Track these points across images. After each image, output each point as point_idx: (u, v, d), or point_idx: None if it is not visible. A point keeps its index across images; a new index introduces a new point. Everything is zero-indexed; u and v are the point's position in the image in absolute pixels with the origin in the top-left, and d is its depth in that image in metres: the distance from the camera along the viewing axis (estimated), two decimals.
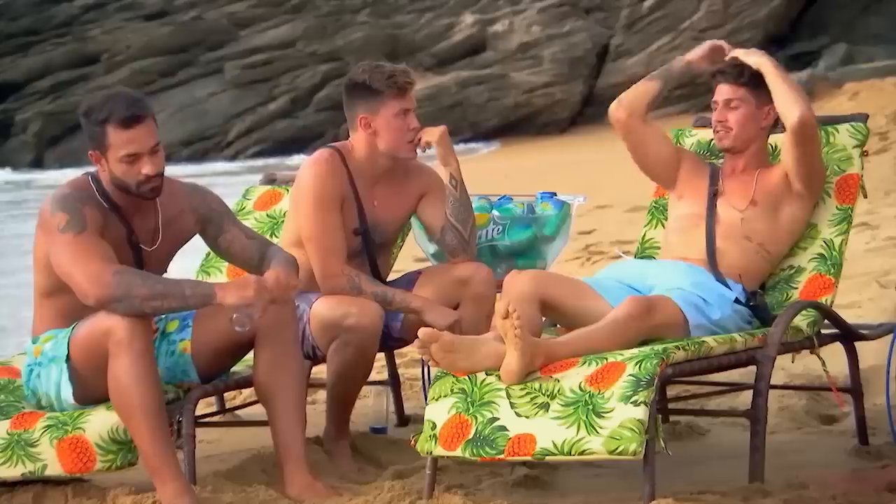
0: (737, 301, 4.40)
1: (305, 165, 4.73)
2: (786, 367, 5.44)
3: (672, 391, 5.19)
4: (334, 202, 4.67)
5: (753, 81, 4.54)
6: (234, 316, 4.08)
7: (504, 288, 4.35)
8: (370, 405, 5.18)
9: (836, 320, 4.55)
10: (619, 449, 3.76)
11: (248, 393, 5.50)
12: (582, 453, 3.82)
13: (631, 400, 3.80)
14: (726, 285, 4.44)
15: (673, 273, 4.45)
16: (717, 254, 4.51)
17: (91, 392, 4.15)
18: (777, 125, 4.61)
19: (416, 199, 4.84)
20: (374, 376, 5.14)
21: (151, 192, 4.21)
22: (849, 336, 4.61)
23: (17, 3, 27.16)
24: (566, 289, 4.35)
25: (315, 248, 4.64)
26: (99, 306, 4.05)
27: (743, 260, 4.52)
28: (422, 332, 4.06)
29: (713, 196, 4.58)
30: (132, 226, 4.27)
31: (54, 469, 4.11)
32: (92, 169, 4.31)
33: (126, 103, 4.16)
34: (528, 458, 3.90)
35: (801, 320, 4.42)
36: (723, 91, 4.57)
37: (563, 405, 3.89)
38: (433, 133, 4.72)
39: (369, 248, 4.78)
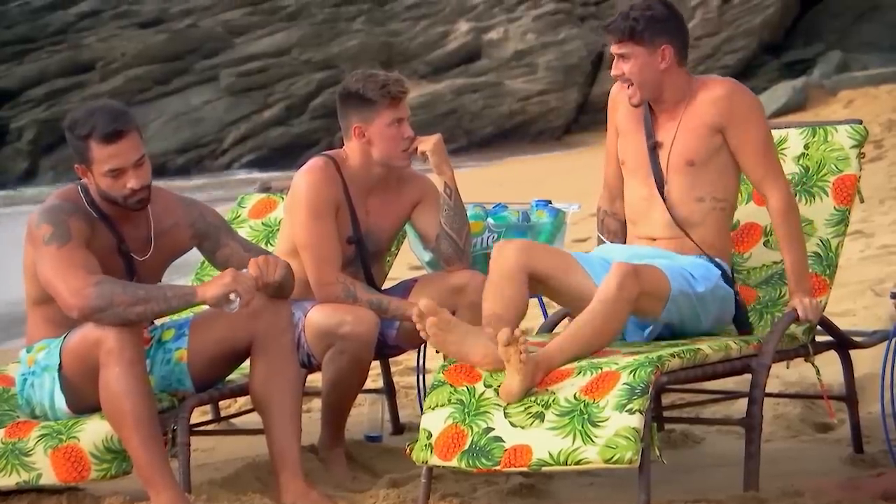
0: (723, 277, 4.39)
1: (300, 174, 4.73)
2: (781, 375, 5.44)
3: (667, 399, 5.18)
4: (329, 210, 4.67)
5: (636, 34, 4.40)
6: (222, 302, 4.07)
7: (492, 260, 4.32)
8: (365, 413, 5.18)
9: (831, 328, 4.55)
10: (615, 458, 3.75)
11: (243, 401, 5.49)
12: (578, 463, 3.81)
13: (626, 408, 3.80)
14: (715, 264, 4.42)
15: (661, 253, 4.43)
16: (677, 227, 4.43)
17: (84, 401, 4.14)
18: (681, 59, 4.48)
19: (411, 207, 4.84)
20: (369, 384, 5.14)
21: (138, 203, 4.20)
22: (844, 344, 4.61)
23: (13, 11, 27.17)
24: (554, 261, 4.32)
25: (310, 257, 4.64)
26: (83, 318, 4.04)
27: (705, 226, 4.44)
28: (423, 302, 4.06)
29: (652, 150, 4.47)
30: (122, 235, 4.26)
31: (49, 478, 4.10)
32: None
33: (109, 118, 4.15)
34: (524, 468, 3.89)
35: (796, 327, 4.42)
36: (613, 47, 4.48)
37: (557, 415, 3.88)
38: (428, 142, 4.72)
39: (363, 257, 4.78)
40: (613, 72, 4.48)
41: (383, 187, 4.79)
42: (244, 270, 4.16)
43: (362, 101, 4.68)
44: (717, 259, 4.43)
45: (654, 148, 4.48)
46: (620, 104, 4.60)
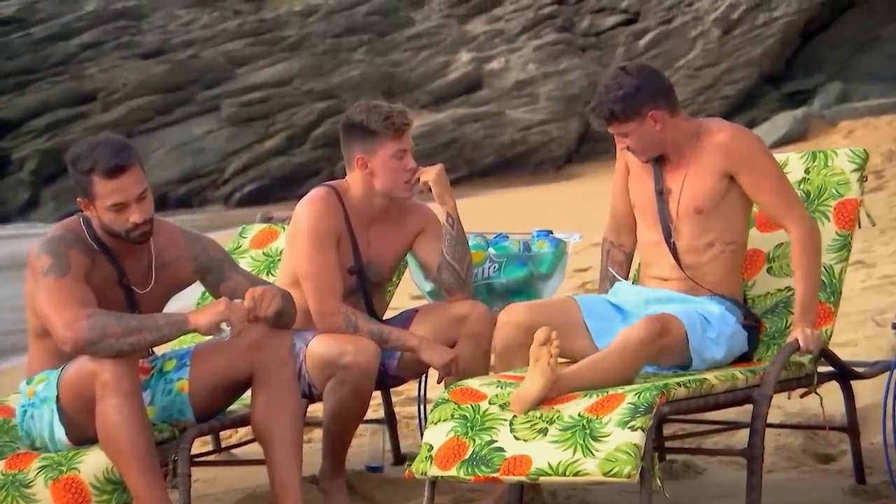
0: (743, 314, 4.41)
1: (302, 204, 4.74)
2: (783, 406, 5.43)
3: (669, 430, 5.18)
4: (330, 240, 4.67)
5: (618, 115, 4.44)
6: (214, 330, 4.07)
7: (494, 336, 4.42)
8: (366, 443, 5.17)
9: (833, 358, 4.54)
10: (614, 471, 3.76)
11: (243, 431, 5.49)
12: (577, 474, 3.81)
13: (628, 425, 3.81)
14: (732, 302, 4.43)
15: (675, 296, 4.44)
16: (689, 271, 4.47)
17: (83, 432, 4.13)
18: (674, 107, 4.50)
19: (412, 237, 4.84)
20: (370, 415, 5.13)
21: (141, 237, 4.20)
22: (845, 374, 4.60)
23: (14, 42, 27.24)
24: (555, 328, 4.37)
25: (311, 287, 4.63)
26: (76, 351, 4.03)
27: (717, 270, 4.47)
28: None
29: (660, 194, 4.52)
30: (123, 268, 4.26)
31: None
32: None
33: (111, 152, 4.14)
34: (523, 477, 3.89)
35: (800, 357, 4.41)
36: (614, 128, 4.50)
37: (560, 429, 3.91)
38: (430, 173, 4.73)
39: (364, 287, 4.78)
40: (619, 146, 4.53)
41: (384, 217, 4.80)
42: (238, 301, 4.16)
43: (366, 133, 4.69)
44: (731, 297, 4.44)
45: (661, 193, 4.51)
46: (629, 164, 4.64)
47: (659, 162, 4.54)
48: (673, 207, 4.50)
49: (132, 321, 4.05)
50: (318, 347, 4.59)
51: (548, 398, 4.00)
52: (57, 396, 4.13)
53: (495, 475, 3.91)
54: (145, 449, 4.00)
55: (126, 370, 4.01)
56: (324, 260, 4.65)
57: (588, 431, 3.85)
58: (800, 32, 25.52)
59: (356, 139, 4.71)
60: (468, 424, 4.03)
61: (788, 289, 4.59)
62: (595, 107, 4.48)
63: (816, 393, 4.40)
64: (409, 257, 4.96)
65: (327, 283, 4.64)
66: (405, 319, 4.81)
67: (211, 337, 4.17)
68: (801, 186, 4.73)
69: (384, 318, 4.90)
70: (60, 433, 4.14)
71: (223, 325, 4.06)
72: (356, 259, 4.74)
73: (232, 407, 4.46)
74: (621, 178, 4.69)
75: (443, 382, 4.64)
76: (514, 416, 3.99)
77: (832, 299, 4.56)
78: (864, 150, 4.75)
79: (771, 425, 4.50)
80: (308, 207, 4.70)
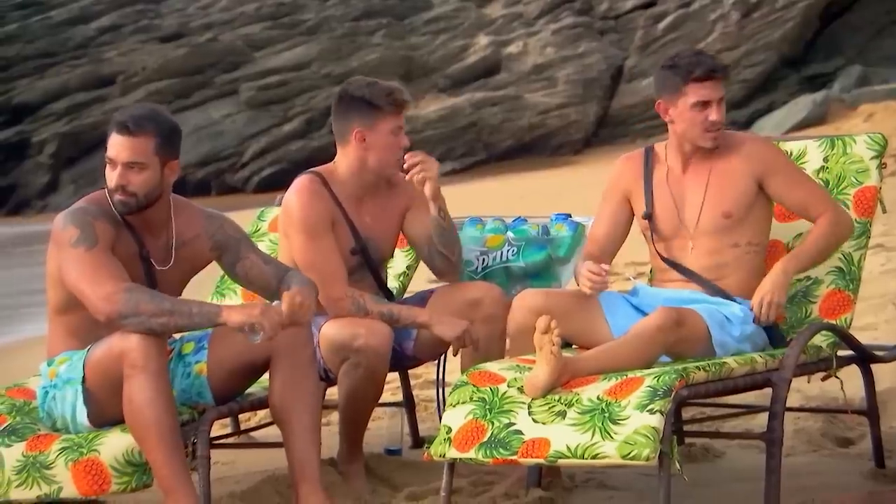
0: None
1: (289, 195, 4.72)
2: (802, 390, 5.43)
3: (688, 413, 5.17)
4: (324, 227, 4.66)
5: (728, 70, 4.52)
6: (246, 328, 4.08)
7: (509, 318, 4.42)
8: (385, 427, 5.18)
9: (852, 342, 4.53)
10: (633, 454, 3.77)
11: (262, 414, 5.50)
12: (595, 457, 3.83)
13: (647, 408, 3.83)
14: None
15: (698, 297, 4.43)
16: (714, 272, 4.46)
17: (106, 414, 4.15)
18: None
19: (403, 213, 4.84)
20: (388, 398, 5.15)
21: (118, 204, 4.24)
22: (865, 358, 4.59)
23: (34, 26, 27.28)
24: (572, 325, 4.36)
25: (314, 277, 4.56)
26: (108, 322, 4.08)
27: (740, 270, 4.47)
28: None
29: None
30: (144, 242, 4.29)
31: (70, 491, 4.10)
32: None
33: (132, 114, 4.23)
34: (541, 460, 3.91)
35: (821, 341, 4.41)
36: (718, 88, 4.43)
37: (579, 413, 3.92)
38: (432, 169, 4.67)
39: (370, 264, 4.77)
40: (715, 116, 4.42)
41: (375, 193, 4.78)
42: (276, 303, 4.17)
43: (369, 106, 4.69)
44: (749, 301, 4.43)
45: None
46: (627, 176, 4.61)
47: (668, 175, 4.53)
48: (693, 213, 4.48)
49: (165, 303, 4.08)
50: (330, 331, 4.60)
51: (561, 382, 4.02)
52: (83, 377, 4.15)
53: (514, 458, 3.93)
54: (171, 429, 4.03)
55: (155, 350, 4.05)
56: (321, 248, 4.64)
57: (607, 414, 3.86)
58: (819, 15, 25.39)
59: (355, 113, 4.70)
60: (487, 407, 4.05)
61: (808, 278, 4.58)
62: (706, 61, 4.42)
63: (836, 376, 4.40)
64: None
65: (329, 270, 4.63)
66: (420, 300, 4.82)
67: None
68: (820, 175, 4.71)
69: (402, 298, 4.90)
70: (82, 415, 4.16)
71: (256, 327, 4.06)
72: (356, 238, 4.73)
73: (251, 389, 4.48)
74: (610, 208, 4.62)
75: (460, 362, 4.64)
76: (533, 398, 4.01)
77: (851, 286, 4.55)
78: (882, 135, 4.73)
79: (790, 409, 4.50)
80: (295, 199, 4.68)
